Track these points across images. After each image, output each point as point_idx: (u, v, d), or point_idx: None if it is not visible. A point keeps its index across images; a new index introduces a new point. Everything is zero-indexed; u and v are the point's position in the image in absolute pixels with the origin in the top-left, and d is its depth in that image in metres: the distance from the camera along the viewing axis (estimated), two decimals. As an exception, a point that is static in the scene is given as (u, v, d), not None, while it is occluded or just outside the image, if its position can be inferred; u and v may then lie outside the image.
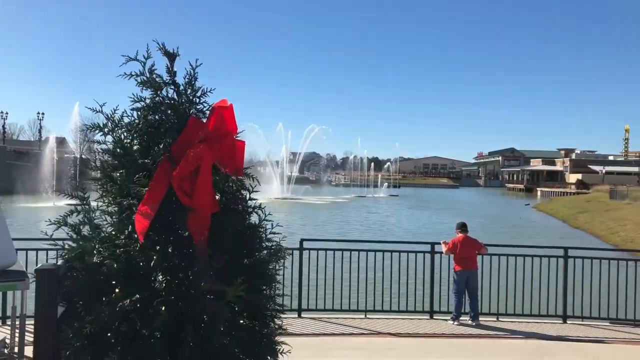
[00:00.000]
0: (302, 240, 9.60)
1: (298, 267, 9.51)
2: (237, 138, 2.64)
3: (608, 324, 9.47)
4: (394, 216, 46.72)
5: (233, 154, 2.55)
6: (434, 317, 9.62)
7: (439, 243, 9.74)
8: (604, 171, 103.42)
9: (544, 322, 9.55)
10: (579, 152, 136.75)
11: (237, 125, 2.59)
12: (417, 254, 9.81)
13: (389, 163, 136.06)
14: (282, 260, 3.04)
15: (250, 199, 2.82)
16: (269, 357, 2.69)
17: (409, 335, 8.63)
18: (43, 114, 78.51)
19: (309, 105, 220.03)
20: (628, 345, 8.41)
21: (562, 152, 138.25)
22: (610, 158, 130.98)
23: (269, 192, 70.44)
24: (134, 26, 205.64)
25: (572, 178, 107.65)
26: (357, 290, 9.80)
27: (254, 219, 2.91)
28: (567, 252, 9.63)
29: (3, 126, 76.42)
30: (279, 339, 3.00)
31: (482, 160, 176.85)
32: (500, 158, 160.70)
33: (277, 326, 2.83)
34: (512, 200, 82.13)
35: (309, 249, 9.69)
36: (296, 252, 9.49)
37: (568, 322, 9.57)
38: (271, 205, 53.92)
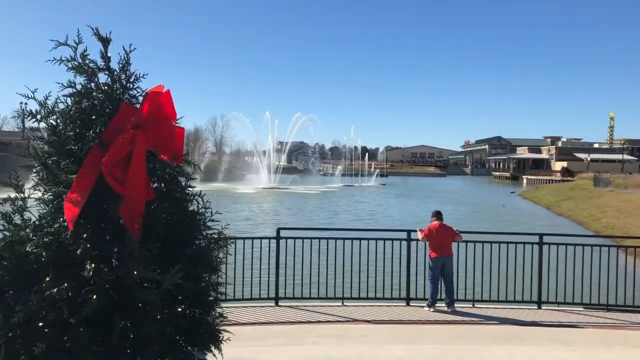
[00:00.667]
0: (279, 229, 9.58)
1: (275, 256, 9.50)
2: (177, 124, 2.60)
3: (582, 309, 9.57)
4: (382, 205, 46.79)
5: (171, 140, 2.51)
6: (410, 304, 9.66)
7: (415, 230, 9.78)
8: (589, 159, 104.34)
9: (519, 308, 9.62)
10: (565, 140, 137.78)
11: (175, 112, 2.55)
12: (394, 242, 9.84)
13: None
14: (225, 248, 2.98)
15: (189, 186, 2.77)
16: (210, 345, 2.66)
17: (383, 322, 8.67)
18: (26, 104, 77.19)
19: (296, 96, 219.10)
20: (600, 329, 8.51)
21: (549, 140, 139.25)
22: (596, 146, 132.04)
23: (256, 182, 70.41)
24: (120, 17, 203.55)
25: (558, 166, 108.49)
26: (334, 278, 9.81)
27: (198, 207, 2.87)
28: (542, 238, 9.69)
29: (-15, 117, 75.45)
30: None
31: (469, 149, 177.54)
32: (487, 146, 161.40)
33: (217, 314, 2.79)
34: (498, 188, 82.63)
35: (286, 238, 9.67)
36: (273, 241, 9.51)
37: (543, 307, 9.66)
38: (258, 194, 54.03)
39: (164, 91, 2.45)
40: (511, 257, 9.71)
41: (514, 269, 9.73)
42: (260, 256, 9.49)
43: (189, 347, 2.52)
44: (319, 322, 8.57)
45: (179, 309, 2.43)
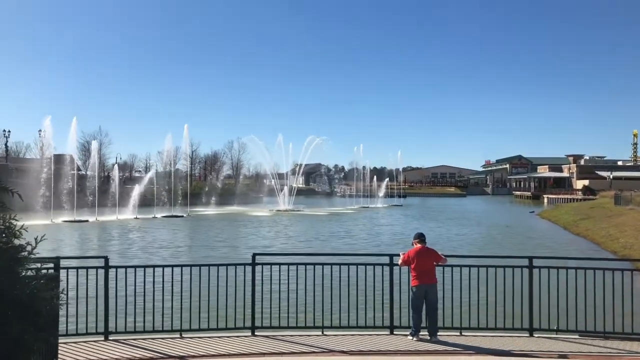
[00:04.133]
0: (254, 255, 9.21)
1: (251, 283, 9.12)
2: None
3: (577, 336, 8.98)
4: (396, 226, 46.00)
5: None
6: (394, 333, 9.18)
7: (398, 254, 9.32)
8: (611, 177, 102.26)
9: (509, 336, 9.07)
10: (587, 158, 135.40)
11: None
12: (376, 267, 9.39)
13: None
14: (55, 290, 2.58)
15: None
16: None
17: (361, 352, 8.19)
18: (44, 131, 78.74)
19: (312, 118, 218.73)
20: (594, 359, 7.93)
21: (571, 158, 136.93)
22: (620, 163, 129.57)
23: (272, 204, 70.36)
24: (134, 38, 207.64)
25: (579, 184, 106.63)
26: (314, 305, 9.36)
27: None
28: (531, 261, 9.16)
29: (6, 144, 76.92)
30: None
31: (489, 168, 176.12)
32: (507, 165, 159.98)
33: None
34: (518, 208, 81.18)
35: (262, 264, 9.30)
36: (249, 268, 9.13)
37: (535, 335, 9.09)
38: (271, 217, 53.93)
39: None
40: (502, 282, 9.18)
41: (503, 295, 9.17)
42: (236, 283, 9.10)
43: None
44: (292, 353, 8.15)
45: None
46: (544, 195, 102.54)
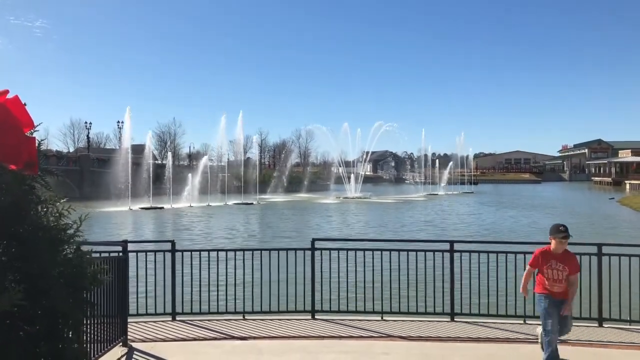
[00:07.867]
0: (313, 240, 9.34)
1: (310, 268, 9.26)
2: (32, 133, 2.42)
3: None
4: (473, 215, 44.98)
5: (19, 149, 2.34)
6: (455, 320, 9.06)
7: (458, 241, 9.14)
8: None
9: (577, 325, 8.73)
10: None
11: (31, 119, 2.38)
12: (435, 253, 9.28)
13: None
14: (92, 267, 2.69)
15: (45, 200, 2.49)
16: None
17: (420, 338, 8.15)
18: (122, 122, 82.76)
19: (380, 104, 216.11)
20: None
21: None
22: None
23: (340, 192, 70.72)
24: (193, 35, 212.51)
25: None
26: (373, 291, 9.39)
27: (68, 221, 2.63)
28: (600, 248, 8.77)
29: (88, 136, 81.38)
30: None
31: (566, 154, 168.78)
32: (586, 150, 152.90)
33: (75, 346, 2.46)
34: (596, 195, 77.43)
35: (321, 249, 9.41)
36: (308, 252, 9.28)
37: (605, 325, 8.72)
38: (340, 205, 54.03)
39: (9, 97, 2.29)
40: None
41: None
42: (296, 268, 9.28)
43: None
44: (351, 337, 8.22)
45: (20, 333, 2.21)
46: (626, 181, 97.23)
